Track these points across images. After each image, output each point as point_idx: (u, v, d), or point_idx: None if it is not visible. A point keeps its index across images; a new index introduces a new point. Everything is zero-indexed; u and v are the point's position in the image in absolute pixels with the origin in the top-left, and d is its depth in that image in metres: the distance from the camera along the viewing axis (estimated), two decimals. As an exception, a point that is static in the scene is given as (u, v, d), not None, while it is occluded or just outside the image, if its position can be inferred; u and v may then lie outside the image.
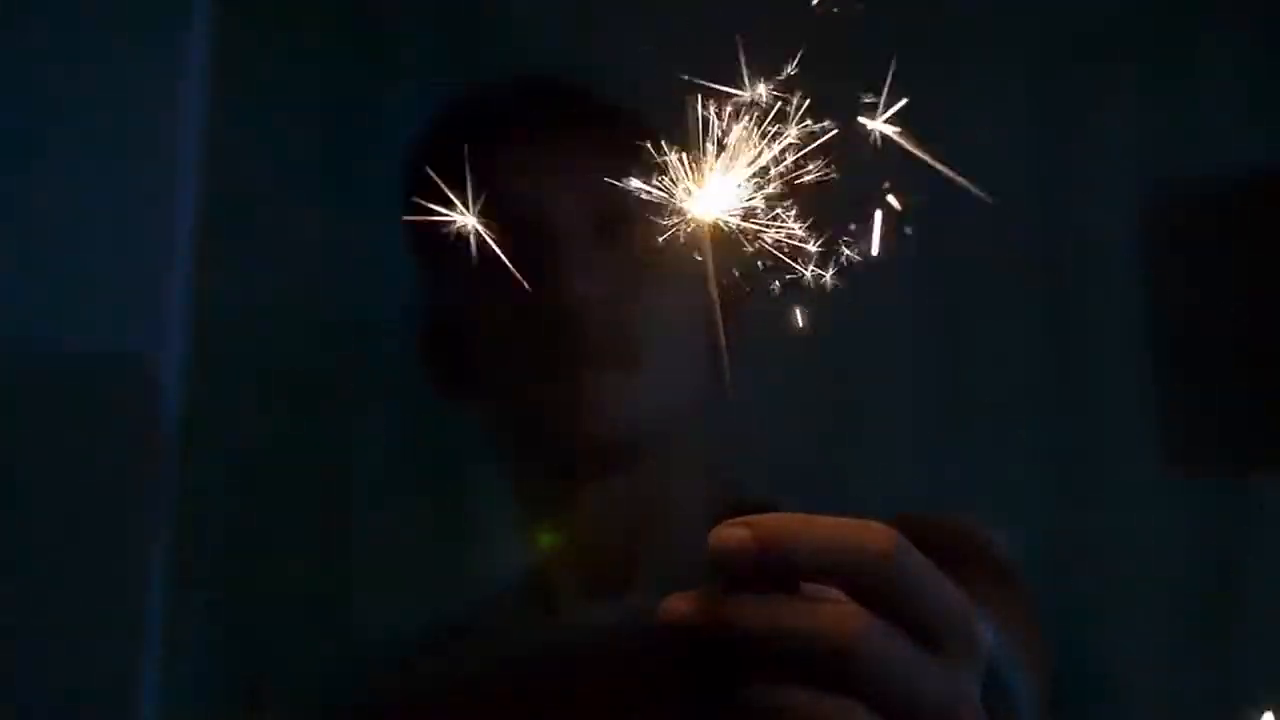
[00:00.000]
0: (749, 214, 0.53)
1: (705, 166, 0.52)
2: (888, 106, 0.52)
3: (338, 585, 1.15)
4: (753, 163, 0.52)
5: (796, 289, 0.58)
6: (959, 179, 0.52)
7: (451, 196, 0.58)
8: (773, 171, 0.52)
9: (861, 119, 0.53)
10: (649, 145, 0.52)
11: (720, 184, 0.51)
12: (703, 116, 0.52)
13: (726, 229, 0.52)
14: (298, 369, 1.19)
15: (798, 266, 0.55)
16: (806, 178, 0.52)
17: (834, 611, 0.45)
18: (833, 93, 0.60)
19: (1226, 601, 1.18)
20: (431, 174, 0.94)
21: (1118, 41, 1.27)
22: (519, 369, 0.90)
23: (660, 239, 0.52)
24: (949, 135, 1.27)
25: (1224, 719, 1.17)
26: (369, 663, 1.02)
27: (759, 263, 0.54)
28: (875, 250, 0.52)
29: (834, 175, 0.53)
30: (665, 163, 0.52)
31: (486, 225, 0.89)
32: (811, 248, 0.53)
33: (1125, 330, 1.23)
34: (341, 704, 1.00)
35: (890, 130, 0.53)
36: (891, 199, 0.53)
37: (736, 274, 0.54)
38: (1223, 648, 1.18)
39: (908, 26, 1.25)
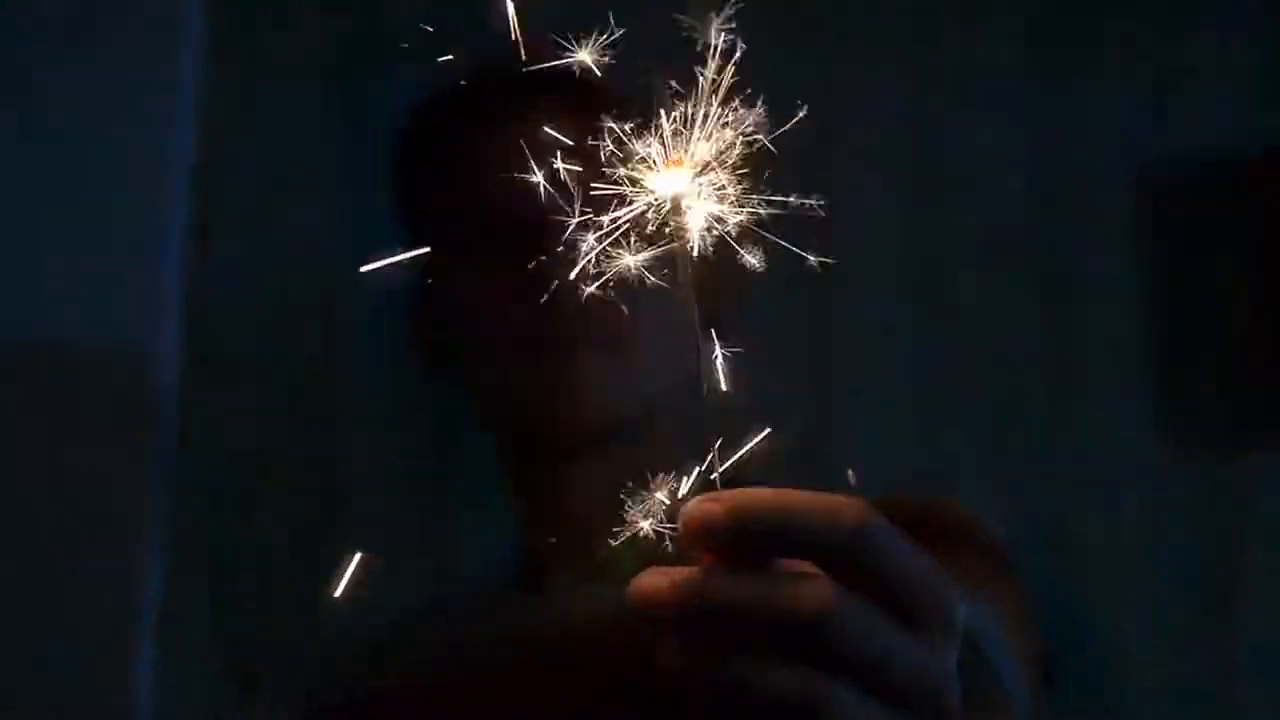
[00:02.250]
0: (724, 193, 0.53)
1: (678, 146, 0.52)
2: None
3: (331, 571, 1.15)
4: (724, 141, 0.52)
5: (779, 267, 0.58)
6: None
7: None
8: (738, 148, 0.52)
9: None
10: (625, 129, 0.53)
11: (691, 163, 0.52)
12: (675, 97, 0.52)
13: (700, 209, 0.53)
14: (292, 360, 1.19)
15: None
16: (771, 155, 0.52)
17: (805, 585, 0.45)
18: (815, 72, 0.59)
19: (1224, 580, 1.18)
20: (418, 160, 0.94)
21: (1115, 18, 1.26)
22: (505, 351, 0.91)
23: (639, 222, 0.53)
24: (945, 113, 1.27)
25: (1222, 696, 1.17)
26: (362, 647, 1.02)
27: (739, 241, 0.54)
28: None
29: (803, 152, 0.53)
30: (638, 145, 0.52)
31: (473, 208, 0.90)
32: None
33: (1121, 309, 1.22)
34: (336, 689, 1.01)
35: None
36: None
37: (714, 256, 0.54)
38: (1221, 625, 1.18)
39: (901, 11, 1.26)
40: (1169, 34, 1.24)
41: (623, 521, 0.92)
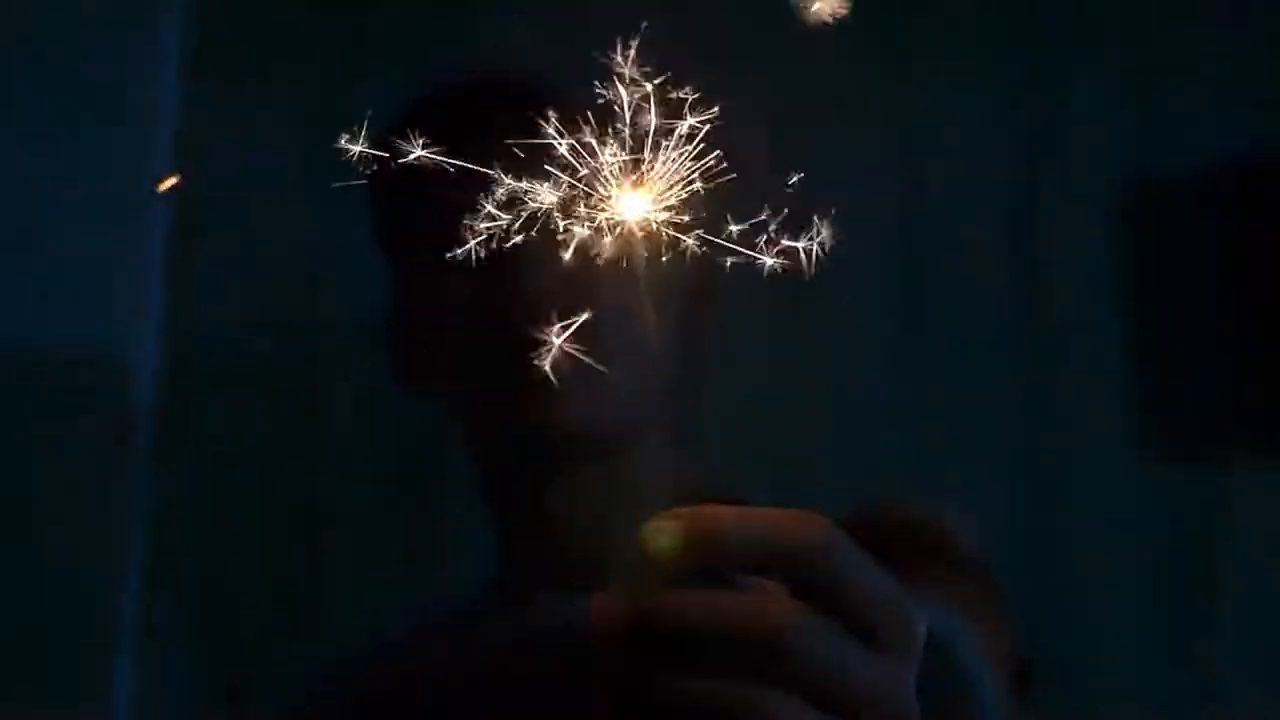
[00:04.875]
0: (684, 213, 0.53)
1: (637, 165, 0.52)
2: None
3: (311, 581, 1.15)
4: (688, 161, 0.52)
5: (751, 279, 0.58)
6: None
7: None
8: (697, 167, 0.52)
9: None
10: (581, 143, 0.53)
11: (650, 182, 0.52)
12: (633, 114, 0.52)
13: (658, 227, 0.53)
14: (270, 366, 1.19)
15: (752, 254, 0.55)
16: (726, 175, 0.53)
17: (764, 604, 0.45)
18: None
19: (1203, 589, 1.19)
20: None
21: (1097, 26, 1.27)
22: (481, 363, 0.91)
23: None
24: (924, 127, 1.28)
25: (1202, 704, 1.17)
26: (342, 657, 1.02)
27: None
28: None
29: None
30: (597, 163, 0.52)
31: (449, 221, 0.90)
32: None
33: (1101, 320, 1.23)
34: (315, 699, 1.01)
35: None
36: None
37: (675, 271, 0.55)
38: (1198, 633, 1.18)
39: (885, 18, 1.26)
40: (1150, 45, 1.25)
41: (604, 532, 0.92)
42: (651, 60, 0.54)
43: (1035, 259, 1.23)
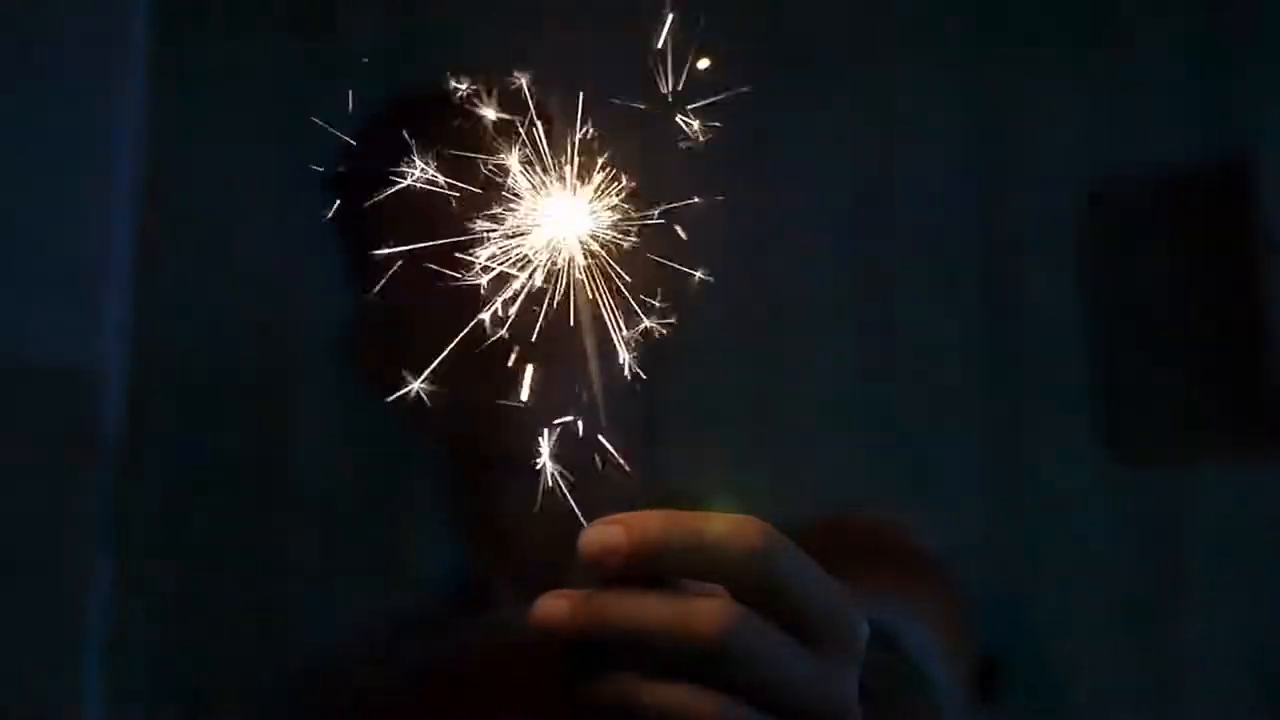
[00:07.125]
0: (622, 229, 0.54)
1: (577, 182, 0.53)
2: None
3: (279, 588, 1.15)
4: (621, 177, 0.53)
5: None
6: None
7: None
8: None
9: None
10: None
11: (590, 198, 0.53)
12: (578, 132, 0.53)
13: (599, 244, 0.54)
14: (237, 376, 1.19)
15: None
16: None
17: (703, 607, 0.46)
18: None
19: (1169, 590, 1.19)
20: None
21: (1056, 32, 1.27)
22: (444, 372, 0.91)
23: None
24: (887, 126, 1.28)
25: (1167, 703, 1.18)
26: (311, 664, 1.03)
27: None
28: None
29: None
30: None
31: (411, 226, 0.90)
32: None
33: (1065, 320, 1.23)
34: (285, 705, 1.01)
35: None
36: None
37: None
38: (1164, 633, 1.19)
39: (848, 17, 1.26)
40: (1113, 52, 1.26)
41: (566, 537, 0.92)
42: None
43: (1000, 262, 1.23)
